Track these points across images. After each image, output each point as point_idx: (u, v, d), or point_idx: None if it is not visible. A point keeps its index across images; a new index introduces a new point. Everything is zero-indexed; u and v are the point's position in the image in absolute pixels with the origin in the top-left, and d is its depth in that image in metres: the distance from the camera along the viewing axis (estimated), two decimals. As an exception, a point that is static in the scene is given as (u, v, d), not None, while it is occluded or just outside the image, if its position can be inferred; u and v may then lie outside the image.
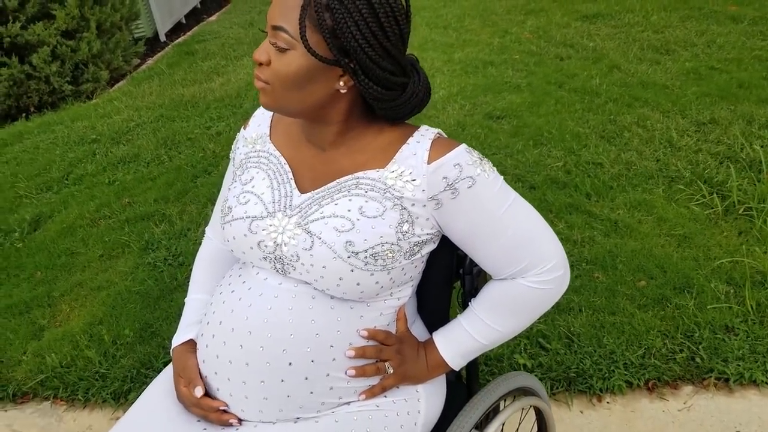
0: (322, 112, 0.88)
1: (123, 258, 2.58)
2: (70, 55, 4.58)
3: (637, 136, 3.17)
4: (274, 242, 0.88)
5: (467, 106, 3.70)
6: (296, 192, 0.91)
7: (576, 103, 3.58)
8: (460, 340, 0.96)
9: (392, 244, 0.85)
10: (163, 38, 6.33)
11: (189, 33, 6.53)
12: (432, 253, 0.97)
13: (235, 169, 1.01)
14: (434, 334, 0.99)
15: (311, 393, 0.87)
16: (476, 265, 1.04)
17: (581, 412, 1.71)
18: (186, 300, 1.09)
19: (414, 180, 0.86)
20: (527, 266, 0.91)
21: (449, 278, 1.08)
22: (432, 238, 0.91)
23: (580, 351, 1.84)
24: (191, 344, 1.01)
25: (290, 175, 0.93)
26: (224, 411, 0.91)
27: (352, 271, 0.84)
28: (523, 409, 1.18)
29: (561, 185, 2.78)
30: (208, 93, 4.33)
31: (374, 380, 0.93)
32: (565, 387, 1.78)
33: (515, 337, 1.91)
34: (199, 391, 0.92)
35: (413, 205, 0.87)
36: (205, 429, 0.90)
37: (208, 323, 0.95)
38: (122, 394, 1.94)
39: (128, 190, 3.11)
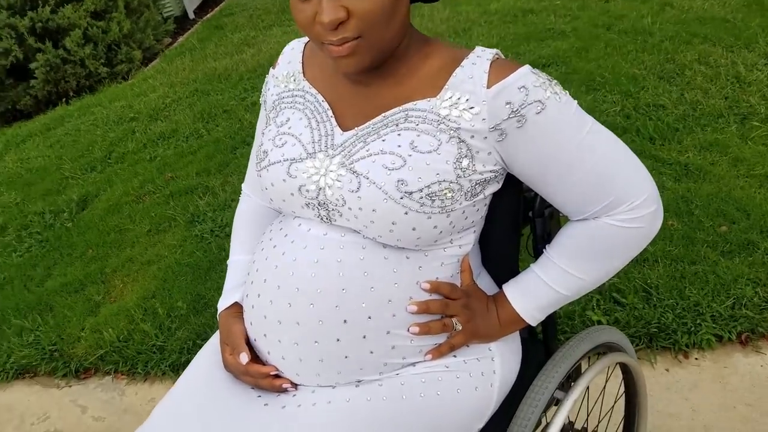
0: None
1: (170, 232, 2.57)
2: (101, 36, 4.58)
3: (699, 74, 2.96)
4: (317, 186, 0.79)
5: (509, 56, 3.50)
6: (338, 130, 0.81)
7: (628, 44, 3.36)
8: (535, 292, 0.85)
9: (450, 182, 0.75)
10: (191, 15, 6.29)
11: (216, 8, 6.47)
12: (496, 195, 0.86)
13: (267, 113, 0.92)
14: (505, 286, 0.88)
15: (371, 353, 0.79)
16: (548, 206, 0.93)
17: (666, 370, 1.60)
18: (228, 263, 1.01)
19: (472, 108, 0.75)
20: (613, 203, 0.79)
21: (517, 223, 0.96)
22: (496, 177, 0.80)
23: (660, 304, 1.71)
24: (237, 308, 0.93)
25: (330, 112, 0.83)
26: (277, 376, 0.83)
27: (406, 214, 0.74)
28: (608, 367, 1.06)
29: (621, 130, 2.61)
30: (240, 64, 4.27)
31: (440, 339, 0.83)
32: (645, 344, 1.65)
33: (588, 294, 1.78)
34: (244, 358, 0.84)
35: (472, 137, 0.76)
36: (259, 396, 0.83)
37: (252, 282, 0.86)
38: (180, 366, 1.93)
39: (170, 165, 3.10)
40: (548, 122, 0.75)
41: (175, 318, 2.07)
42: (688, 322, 1.66)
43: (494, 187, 0.82)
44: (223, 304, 0.94)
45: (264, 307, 0.82)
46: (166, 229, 2.59)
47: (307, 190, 0.80)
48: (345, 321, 0.77)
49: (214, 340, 0.96)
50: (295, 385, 0.82)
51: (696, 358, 1.60)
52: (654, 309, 1.70)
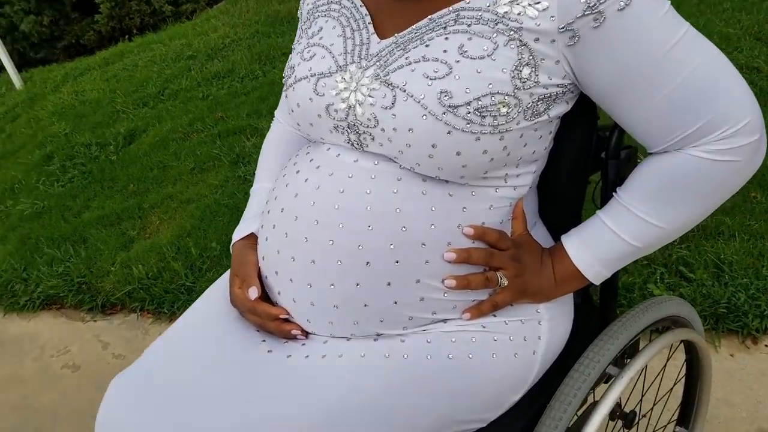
0: None
1: (213, 171, 2.51)
2: (168, -27, 4.50)
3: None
4: (346, 104, 0.70)
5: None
6: (374, 38, 0.72)
7: (724, 2, 3.06)
8: (601, 243, 0.73)
9: (506, 94, 0.64)
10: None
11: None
12: (562, 131, 0.75)
13: (301, 24, 0.83)
14: (564, 237, 0.76)
15: (395, 303, 0.70)
16: (625, 147, 0.80)
17: (731, 356, 1.47)
18: (251, 191, 0.92)
19: (538, 3, 0.64)
20: (704, 128, 0.66)
21: (584, 167, 0.82)
22: (564, 94, 0.68)
23: (733, 283, 1.56)
24: (253, 239, 0.83)
25: (368, 18, 0.73)
26: (285, 320, 0.74)
27: (449, 133, 0.64)
28: (672, 345, 0.93)
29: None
30: (304, 7, 4.11)
31: (481, 295, 0.73)
32: (711, 325, 1.52)
33: (649, 263, 1.65)
34: (253, 293, 0.76)
35: (537, 40, 0.64)
36: (264, 341, 0.75)
37: (268, 212, 0.77)
38: None
39: (221, 104, 3.05)
40: (633, 22, 0.63)
41: (206, 259, 2.01)
42: (761, 304, 1.51)
43: (561, 109, 0.70)
44: (238, 233, 0.86)
45: (278, 241, 0.74)
46: (209, 169, 2.53)
47: (336, 110, 0.71)
48: (368, 263, 0.68)
49: (226, 276, 0.88)
50: (305, 333, 0.74)
51: (766, 345, 1.47)
52: (725, 287, 1.56)
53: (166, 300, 1.91)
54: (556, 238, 0.79)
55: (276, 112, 0.98)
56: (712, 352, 1.44)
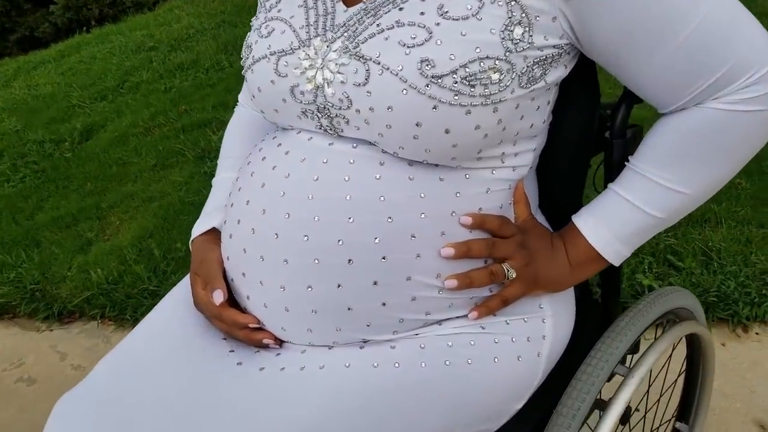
0: None
1: (177, 167, 2.41)
2: (127, -39, 4.33)
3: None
4: (313, 84, 0.62)
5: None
6: (340, 6, 0.64)
7: None
8: (618, 217, 0.66)
9: (497, 59, 0.57)
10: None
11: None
12: (561, 108, 0.69)
13: None
14: (575, 216, 0.69)
15: (383, 305, 0.62)
16: (631, 126, 0.74)
17: (723, 345, 1.46)
18: (213, 182, 0.83)
19: None
20: (724, 78, 0.60)
21: (586, 148, 0.76)
22: (561, 56, 0.62)
23: (722, 271, 1.55)
24: (216, 234, 0.75)
25: None
26: (257, 328, 0.67)
27: (435, 108, 0.57)
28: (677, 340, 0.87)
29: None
30: (272, -4, 4.00)
31: (483, 289, 0.66)
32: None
33: (637, 253, 1.61)
34: (218, 296, 0.67)
35: None
36: (232, 351, 0.67)
37: (232, 205, 0.69)
38: None
39: (185, 97, 2.96)
40: None
41: (171, 261, 1.90)
42: (752, 291, 1.50)
43: (559, 73, 0.64)
44: (198, 228, 0.78)
45: (244, 238, 0.66)
46: (172, 165, 2.43)
47: (302, 92, 0.63)
48: (350, 261, 0.61)
49: (188, 277, 0.79)
50: (279, 342, 0.67)
51: (757, 333, 1.44)
52: (714, 275, 1.54)
53: (128, 306, 1.79)
54: (555, 228, 0.72)
55: (239, 96, 0.91)
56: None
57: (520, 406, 0.68)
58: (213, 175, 2.33)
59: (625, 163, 0.67)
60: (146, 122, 2.75)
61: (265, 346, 0.67)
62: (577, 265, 0.68)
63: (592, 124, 0.74)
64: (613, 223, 0.66)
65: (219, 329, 0.69)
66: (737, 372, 1.36)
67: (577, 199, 0.77)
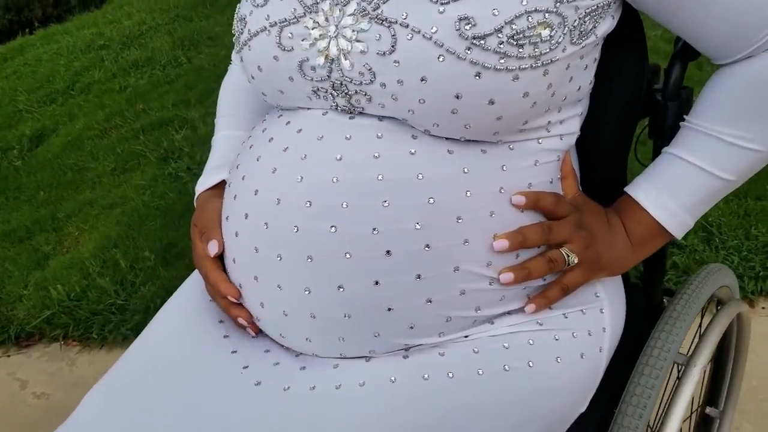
0: None
1: (139, 170, 2.29)
2: (70, -43, 4.13)
3: None
4: (326, 57, 0.54)
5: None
6: None
7: None
8: (683, 185, 0.60)
9: (547, 11, 0.50)
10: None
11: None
12: (604, 69, 0.61)
13: None
14: (630, 188, 0.63)
15: (428, 302, 0.54)
16: (685, 87, 0.67)
17: None
18: (212, 141, 0.75)
19: None
20: None
21: (633, 112, 0.68)
22: (610, 4, 0.55)
23: (723, 246, 1.54)
24: (220, 188, 0.68)
25: None
26: (239, 304, 0.60)
27: (477, 76, 0.50)
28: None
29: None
30: (228, -11, 3.88)
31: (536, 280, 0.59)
32: None
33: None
34: (213, 247, 0.61)
35: None
36: (246, 367, 0.58)
37: (234, 197, 0.60)
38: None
39: (142, 95, 2.81)
40: None
41: (139, 271, 1.80)
42: (756, 265, 1.48)
43: (608, 25, 0.57)
44: (202, 185, 0.71)
45: (255, 235, 0.57)
46: (133, 168, 2.31)
47: (313, 68, 0.55)
48: (388, 252, 0.53)
49: (187, 287, 0.70)
50: (256, 329, 0.60)
51: (763, 308, 1.43)
52: (716, 251, 1.53)
53: (94, 323, 1.68)
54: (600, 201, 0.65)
55: (233, 56, 0.83)
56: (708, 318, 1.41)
57: (584, 408, 0.62)
58: (179, 177, 2.18)
59: (681, 123, 0.61)
60: (101, 124, 2.61)
61: (243, 327, 0.60)
62: (639, 243, 0.62)
63: (641, 86, 0.67)
64: (677, 191, 0.60)
65: (208, 292, 0.64)
66: (750, 349, 1.31)
67: (621, 171, 0.71)
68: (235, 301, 0.60)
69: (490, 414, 0.55)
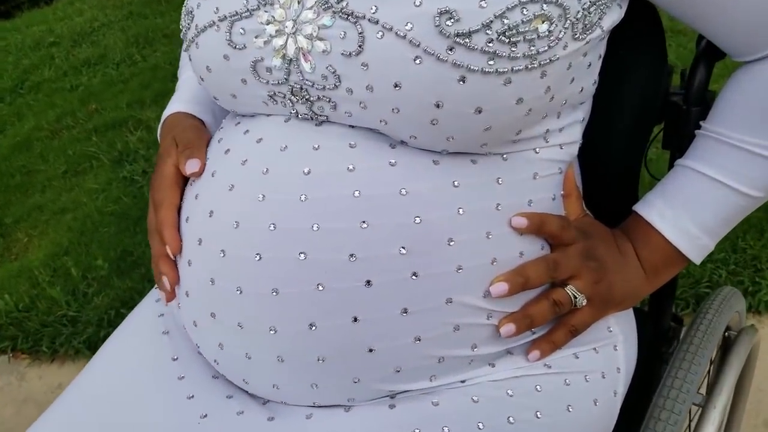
0: None
1: (91, 173, 2.20)
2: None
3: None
4: (283, 57, 0.46)
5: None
6: None
7: None
8: (702, 202, 0.53)
9: (545, 2, 0.43)
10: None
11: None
12: (616, 69, 0.55)
13: None
14: (641, 206, 0.56)
15: (417, 341, 0.47)
16: (710, 91, 0.60)
17: None
18: (178, 84, 0.66)
19: None
20: None
21: (648, 119, 0.62)
22: None
23: (711, 259, 1.46)
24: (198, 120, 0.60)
25: None
26: (171, 260, 0.53)
27: (462, 81, 0.43)
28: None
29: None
30: (184, -15, 3.78)
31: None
32: (693, 307, 1.41)
33: None
34: (193, 165, 0.52)
35: None
36: (204, 416, 0.50)
37: (187, 219, 0.53)
38: (99, 341, 1.56)
39: (95, 95, 2.71)
40: None
41: (92, 281, 1.72)
42: (744, 280, 1.42)
43: (615, 17, 0.50)
44: (169, 111, 0.62)
45: (209, 264, 0.50)
46: (85, 171, 2.22)
47: (269, 69, 0.48)
48: (368, 283, 0.46)
49: (141, 311, 0.63)
50: (172, 294, 0.53)
51: (752, 325, 1.35)
52: (703, 265, 1.45)
53: (44, 335, 1.61)
54: (605, 223, 0.58)
55: (181, 52, 0.76)
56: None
57: None
58: (134, 180, 2.11)
59: (696, 132, 0.54)
60: (52, 124, 2.51)
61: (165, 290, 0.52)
62: (654, 271, 0.55)
63: (659, 88, 0.60)
64: (696, 211, 0.53)
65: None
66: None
67: (633, 184, 0.64)
68: (171, 255, 0.52)
69: None
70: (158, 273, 0.52)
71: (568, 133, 0.52)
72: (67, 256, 1.80)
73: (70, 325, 1.61)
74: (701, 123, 0.55)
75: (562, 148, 0.52)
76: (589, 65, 0.49)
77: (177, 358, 0.55)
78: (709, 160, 0.53)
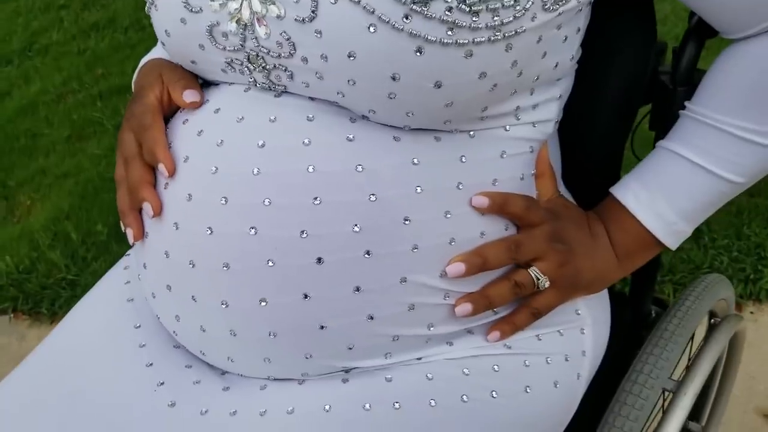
0: None
1: (95, 139, 2.19)
2: None
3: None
4: (237, 22, 0.45)
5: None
6: None
7: None
8: (681, 186, 0.51)
9: None
10: None
11: None
12: (602, 44, 0.54)
13: None
14: (618, 189, 0.54)
15: (370, 319, 0.47)
16: (699, 70, 0.57)
17: None
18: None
19: None
20: None
21: (635, 97, 0.60)
22: None
23: (713, 245, 1.44)
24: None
25: None
26: (153, 188, 0.50)
27: (419, 52, 0.41)
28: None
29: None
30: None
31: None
32: None
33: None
34: (190, 95, 0.49)
35: None
36: (162, 384, 0.51)
37: None
38: None
39: (102, 59, 2.68)
40: None
41: (91, 245, 1.74)
42: (746, 267, 1.40)
43: None
44: (151, 56, 0.60)
45: (163, 237, 0.49)
46: (89, 136, 2.21)
47: (224, 34, 0.46)
48: (320, 260, 0.45)
49: (109, 279, 0.62)
50: (139, 235, 0.50)
51: (752, 312, 1.35)
52: (705, 250, 1.44)
53: (44, 297, 1.63)
54: (583, 205, 0.56)
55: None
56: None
57: None
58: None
59: (680, 112, 0.52)
60: (58, 88, 2.49)
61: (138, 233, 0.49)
62: (626, 255, 0.53)
63: (647, 66, 0.58)
64: (674, 196, 0.51)
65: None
66: None
67: (616, 166, 0.62)
68: (167, 173, 0.48)
69: None
70: (138, 200, 0.49)
71: (543, 111, 0.50)
72: (68, 221, 1.81)
73: (69, 288, 1.63)
74: (686, 103, 0.52)
75: (535, 126, 0.50)
76: (566, 39, 0.46)
77: (140, 326, 0.55)
78: (690, 143, 0.50)
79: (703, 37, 0.56)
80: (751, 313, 1.34)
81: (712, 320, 0.74)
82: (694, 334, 0.68)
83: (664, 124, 0.58)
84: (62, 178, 2.00)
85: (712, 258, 1.42)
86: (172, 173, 0.48)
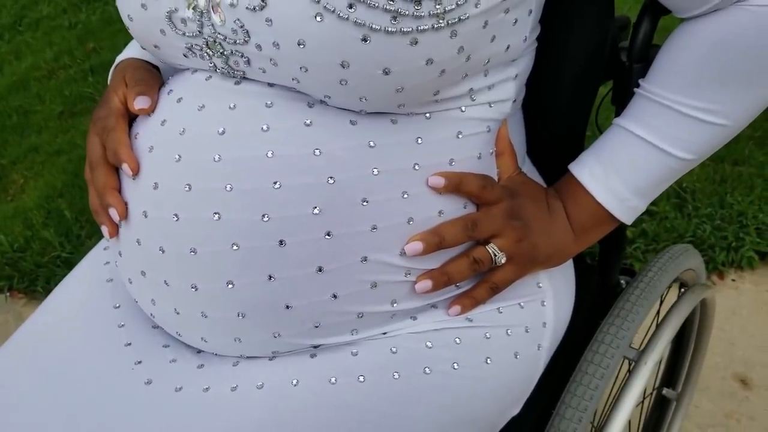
0: None
1: (87, 115, 2.17)
2: None
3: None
4: (194, 9, 0.46)
5: None
6: None
7: None
8: (633, 164, 0.53)
9: None
10: None
11: None
12: (560, 21, 0.55)
13: None
14: (575, 165, 0.56)
15: (333, 297, 0.48)
16: (655, 46, 0.57)
17: None
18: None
19: None
20: None
21: (595, 73, 0.61)
22: None
23: (696, 214, 1.45)
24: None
25: None
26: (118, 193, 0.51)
27: (365, 40, 0.42)
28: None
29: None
30: None
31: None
32: None
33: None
34: (141, 102, 0.51)
35: None
36: (139, 362, 0.53)
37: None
38: None
39: (93, 33, 2.63)
40: None
41: (85, 223, 1.72)
42: (728, 235, 1.41)
43: None
44: (123, 56, 0.61)
45: (134, 225, 0.51)
46: (82, 112, 2.18)
47: (183, 20, 0.48)
48: (281, 243, 0.47)
49: (89, 260, 0.64)
50: (113, 232, 0.52)
51: (733, 280, 1.37)
52: (689, 219, 1.45)
53: (39, 276, 1.63)
54: (549, 181, 0.58)
55: None
56: (674, 291, 1.36)
57: (516, 411, 0.57)
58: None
59: (635, 90, 0.53)
60: (49, 64, 2.46)
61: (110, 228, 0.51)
62: (583, 230, 0.55)
63: (604, 42, 0.58)
64: (627, 173, 0.53)
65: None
66: (715, 323, 1.31)
67: (579, 141, 0.63)
68: (130, 173, 0.50)
69: (405, 424, 0.50)
70: (105, 205, 0.51)
71: (499, 91, 0.51)
72: (61, 199, 1.80)
73: (64, 266, 1.62)
74: (639, 81, 0.53)
75: (491, 107, 0.51)
76: (515, 22, 0.47)
77: (119, 306, 0.57)
78: (642, 120, 0.52)
79: (658, 14, 0.57)
80: (733, 280, 1.36)
81: (683, 290, 0.75)
82: (661, 303, 0.69)
83: (622, 100, 0.59)
84: (55, 155, 1.99)
85: (695, 227, 1.43)
86: (136, 172, 0.49)
